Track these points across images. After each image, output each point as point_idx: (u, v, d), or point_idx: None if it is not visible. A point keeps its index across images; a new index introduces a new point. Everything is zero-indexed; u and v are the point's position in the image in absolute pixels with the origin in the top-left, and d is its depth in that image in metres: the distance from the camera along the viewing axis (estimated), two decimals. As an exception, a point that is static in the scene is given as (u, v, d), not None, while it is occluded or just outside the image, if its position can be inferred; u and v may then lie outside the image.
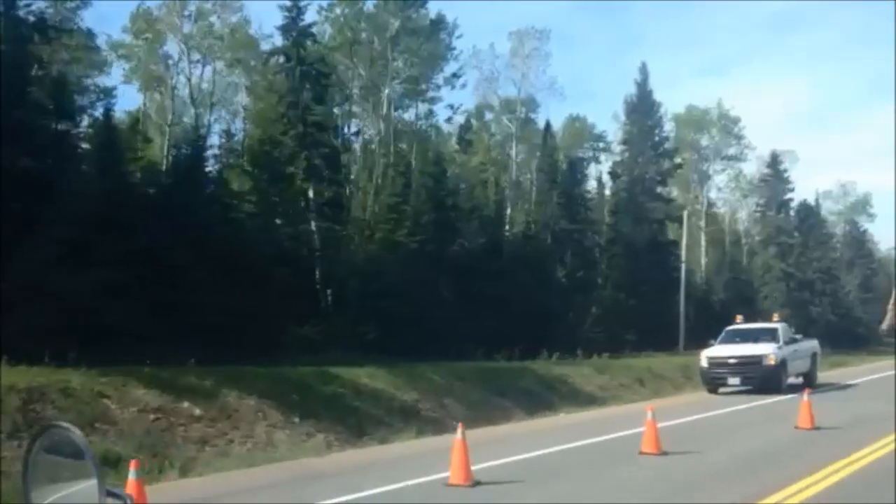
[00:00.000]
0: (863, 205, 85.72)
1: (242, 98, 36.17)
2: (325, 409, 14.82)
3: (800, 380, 19.19)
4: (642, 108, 44.33)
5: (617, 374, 24.53)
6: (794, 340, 18.65)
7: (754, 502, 7.22)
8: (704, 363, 18.27)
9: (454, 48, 38.18)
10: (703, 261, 53.86)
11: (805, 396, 12.05)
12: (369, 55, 32.97)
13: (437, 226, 28.43)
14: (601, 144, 48.27)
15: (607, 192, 45.62)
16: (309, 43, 30.68)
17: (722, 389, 17.63)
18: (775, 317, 20.10)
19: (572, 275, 39.76)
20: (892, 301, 29.58)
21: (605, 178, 46.82)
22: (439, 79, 38.88)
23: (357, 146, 33.66)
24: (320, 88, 30.64)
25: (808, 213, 68.61)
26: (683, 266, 37.42)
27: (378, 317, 24.98)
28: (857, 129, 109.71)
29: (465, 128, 49.22)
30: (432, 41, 35.21)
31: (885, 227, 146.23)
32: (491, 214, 34.14)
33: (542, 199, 42.77)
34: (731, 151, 54.70)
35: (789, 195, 67.14)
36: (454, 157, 46.05)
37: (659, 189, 45.50)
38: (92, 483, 1.89)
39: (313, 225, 27.48)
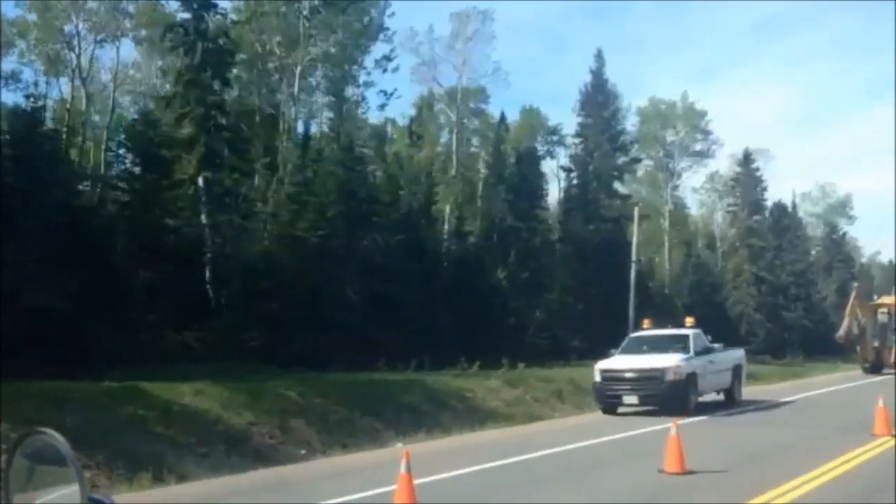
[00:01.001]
0: (843, 207, 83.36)
1: (154, 79, 33.17)
2: (110, 437, 11.83)
3: (720, 396, 16.36)
4: (598, 98, 41.52)
5: (533, 386, 21.57)
6: (710, 350, 15.71)
7: None
8: (597, 377, 15.28)
9: (387, 28, 35.28)
10: (667, 263, 51.08)
11: (673, 429, 9.11)
12: (281, 29, 29.94)
13: (346, 220, 25.48)
14: (555, 138, 45.46)
15: (559, 188, 42.76)
16: (212, 15, 27.69)
17: (622, 409, 14.69)
18: (688, 321, 17.14)
19: (516, 276, 36.87)
20: (849, 307, 26.82)
21: (561, 173, 43.98)
22: (369, 61, 35.88)
23: (265, 132, 30.66)
24: (223, 66, 27.66)
25: (783, 215, 66.03)
26: (634, 267, 34.56)
27: (265, 321, 22.01)
28: (841, 133, 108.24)
29: (416, 120, 46.43)
30: (357, 17, 32.19)
31: (871, 231, 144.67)
32: (419, 209, 31.16)
33: (489, 195, 39.91)
34: (699, 147, 51.95)
35: (763, 195, 64.80)
36: (401, 151, 43.31)
37: (616, 185, 42.71)
38: (74, 489, 1.93)
39: (203, 217, 24.45)
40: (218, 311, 22.81)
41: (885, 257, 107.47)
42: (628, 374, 14.43)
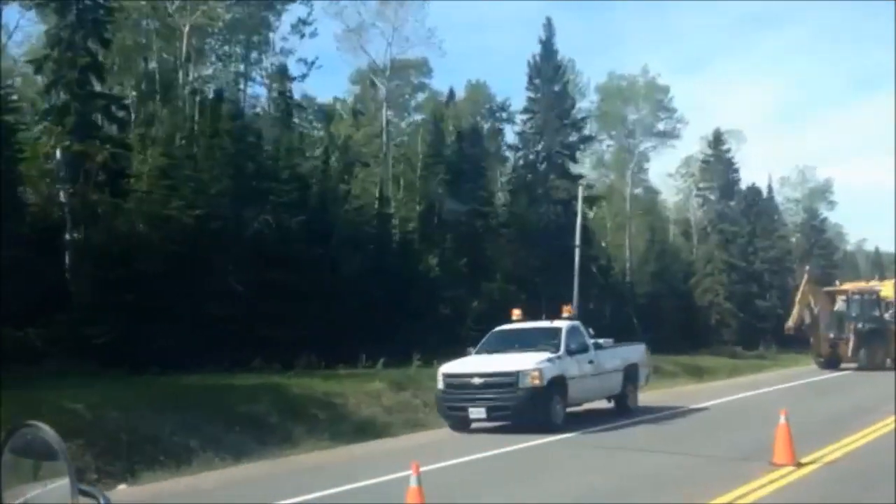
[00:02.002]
0: (823, 192, 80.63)
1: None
2: None
3: (611, 404, 13.39)
4: (548, 71, 38.37)
5: (425, 388, 18.55)
6: (589, 347, 12.61)
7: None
8: (440, 384, 12.14)
9: (303, -13, 32.00)
10: (628, 250, 48.13)
11: (413, 479, 6.10)
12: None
13: (233, 198, 22.40)
14: (504, 115, 42.28)
15: (505, 168, 39.57)
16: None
17: (475, 424, 11.57)
18: (566, 310, 14.02)
19: (453, 264, 33.83)
20: (799, 293, 23.78)
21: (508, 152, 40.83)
22: (283, 26, 32.42)
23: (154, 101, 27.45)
24: (101, 24, 24.47)
25: (757, 199, 63.21)
26: (578, 252, 31.61)
27: (119, 315, 18.92)
28: (828, 125, 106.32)
29: (361, 96, 43.34)
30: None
31: (856, 218, 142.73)
32: (328, 190, 27.99)
33: (427, 176, 36.80)
34: (662, 127, 48.87)
35: (735, 179, 61.89)
36: (342, 131, 40.20)
37: (570, 166, 39.64)
38: (65, 482, 1.94)
39: (63, 195, 21.32)
40: (69, 304, 19.71)
41: (871, 245, 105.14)
42: (475, 381, 11.30)
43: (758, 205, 62.00)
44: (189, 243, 20.89)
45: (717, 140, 57.73)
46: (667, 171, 61.42)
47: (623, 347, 14.23)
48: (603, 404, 13.37)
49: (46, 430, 1.95)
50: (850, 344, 23.32)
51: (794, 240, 77.93)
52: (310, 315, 22.22)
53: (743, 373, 28.34)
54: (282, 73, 41.39)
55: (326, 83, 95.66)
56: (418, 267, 31.58)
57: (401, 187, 39.29)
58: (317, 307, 22.58)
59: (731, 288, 55.19)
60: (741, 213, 60.91)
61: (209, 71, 28.05)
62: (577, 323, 13.49)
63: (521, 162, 37.71)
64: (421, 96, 40.13)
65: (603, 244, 43.59)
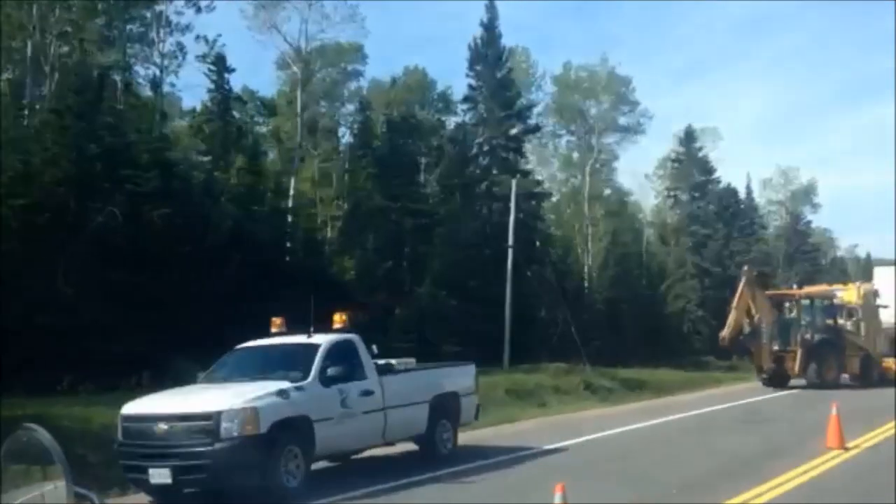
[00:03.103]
0: (806, 194, 77.33)
1: None
2: None
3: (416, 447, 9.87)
4: (490, 56, 35.04)
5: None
6: (364, 373, 9.06)
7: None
8: (119, 431, 8.41)
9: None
10: (589, 256, 44.73)
11: None
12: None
13: (72, 188, 18.99)
14: (445, 105, 38.78)
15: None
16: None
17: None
18: (337, 321, 10.12)
19: (376, 266, 30.39)
20: (736, 298, 20.23)
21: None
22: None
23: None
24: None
25: (733, 200, 59.85)
26: (511, 253, 28.22)
27: None
28: (820, 131, 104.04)
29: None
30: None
31: (849, 224, 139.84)
32: (199, 179, 24.55)
33: (354, 169, 33.45)
34: (624, 121, 45.48)
35: (709, 178, 58.60)
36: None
37: (515, 160, 36.28)
38: (61, 483, 2.05)
39: None
40: None
41: (862, 251, 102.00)
42: (159, 427, 7.61)
43: (733, 206, 58.64)
44: (4, 239, 17.44)
45: (688, 137, 54.45)
46: (644, 173, 58.17)
47: (435, 371, 10.62)
48: (405, 447, 9.92)
49: (42, 434, 2.11)
50: (798, 357, 19.91)
51: (775, 244, 74.91)
52: (159, 325, 18.74)
53: (689, 388, 24.89)
54: (219, 64, 38.48)
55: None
56: (329, 269, 28.15)
57: (333, 183, 35.99)
58: (171, 315, 19.10)
59: (703, 294, 51.85)
60: (716, 214, 57.63)
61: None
62: (349, 338, 9.95)
63: (457, 155, 34.26)
64: (355, 85, 36.89)
65: (551, 249, 40.11)
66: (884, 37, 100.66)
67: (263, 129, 40.47)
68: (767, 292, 21.45)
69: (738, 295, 19.90)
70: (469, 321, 30.49)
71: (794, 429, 12.38)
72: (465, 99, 35.66)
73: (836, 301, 23.86)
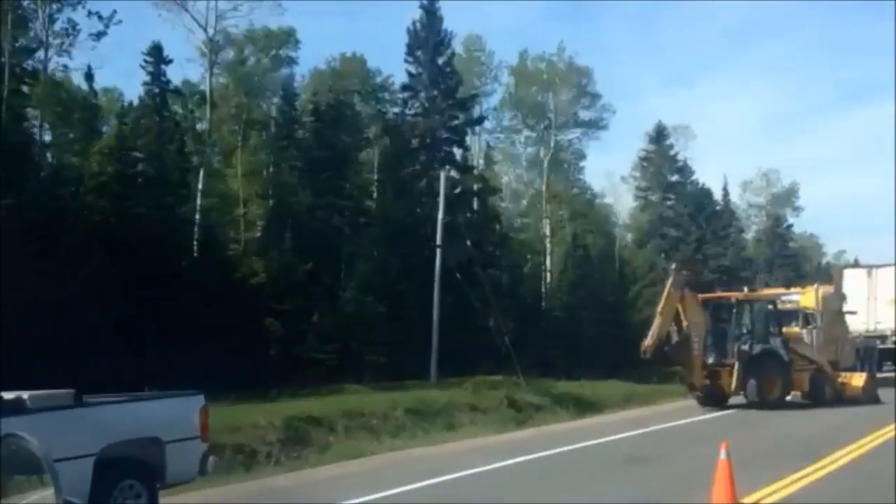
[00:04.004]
0: (788, 196, 74.79)
1: None
2: None
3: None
4: (430, 41, 32.30)
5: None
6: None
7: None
8: None
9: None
10: (548, 259, 41.96)
11: None
12: None
13: None
14: (386, 95, 35.93)
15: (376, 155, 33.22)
16: None
17: None
18: None
19: (295, 269, 27.51)
20: (662, 301, 17.35)
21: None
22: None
23: None
24: None
25: (707, 202, 57.18)
26: (439, 254, 25.41)
27: None
28: (812, 137, 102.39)
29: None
30: None
31: (835, 229, 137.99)
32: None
33: (278, 163, 30.62)
34: (586, 116, 42.73)
35: (683, 179, 56.01)
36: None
37: (458, 154, 33.55)
38: (49, 491, 2.14)
39: None
40: None
41: (850, 256, 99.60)
42: None
43: (708, 208, 55.97)
44: None
45: (659, 135, 51.86)
46: (620, 175, 55.46)
47: (111, 408, 7.26)
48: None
49: (29, 441, 2.17)
50: (735, 372, 17.06)
51: (756, 248, 72.44)
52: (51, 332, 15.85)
53: (624, 405, 22.08)
54: (154, 55, 35.74)
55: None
56: (234, 273, 25.26)
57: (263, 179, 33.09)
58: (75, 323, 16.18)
59: (672, 300, 49.01)
60: (689, 217, 54.99)
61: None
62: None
63: (393, 148, 31.46)
64: (287, 72, 34.04)
65: (507, 251, 37.35)
66: (870, 44, 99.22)
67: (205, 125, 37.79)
68: (702, 295, 18.60)
69: (663, 298, 17.05)
70: (398, 329, 27.69)
71: (683, 473, 9.66)
72: (404, 87, 32.88)
73: (789, 306, 21.13)
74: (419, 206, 30.38)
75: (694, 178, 57.27)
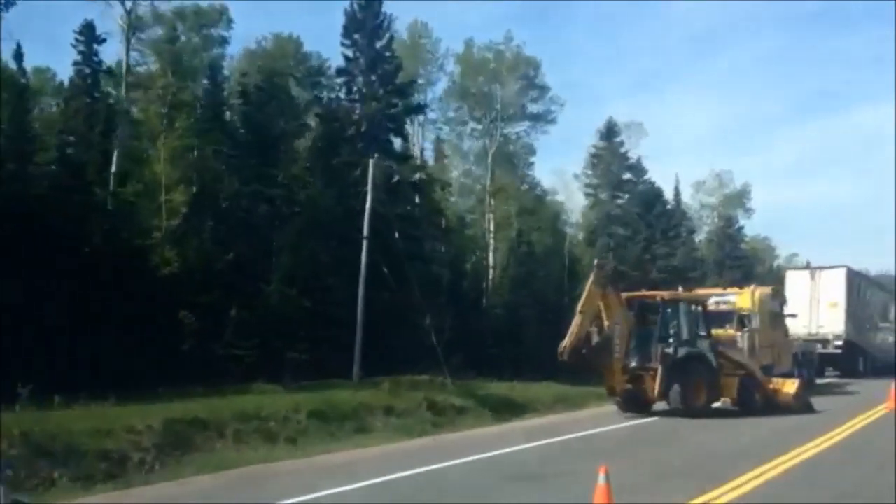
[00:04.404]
0: (739, 197, 74.88)
1: None
2: None
3: None
4: (369, 23, 30.83)
5: None
6: None
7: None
8: None
9: None
10: (491, 256, 40.81)
11: None
12: None
13: None
14: (322, 80, 34.39)
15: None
16: None
17: None
18: None
19: (215, 260, 25.88)
20: (582, 300, 16.22)
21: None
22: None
23: None
24: None
25: (656, 201, 56.56)
26: (365, 246, 24.02)
27: None
28: (773, 146, 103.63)
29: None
30: None
31: (790, 235, 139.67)
32: None
33: (203, 147, 28.90)
34: (534, 109, 41.61)
35: (634, 178, 55.33)
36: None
37: (397, 142, 32.19)
38: None
39: None
40: None
41: (802, 260, 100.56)
42: None
43: (658, 208, 55.35)
44: None
45: (609, 132, 51.03)
46: (573, 172, 54.44)
47: None
48: None
49: None
50: (658, 377, 15.99)
51: (707, 249, 72.34)
52: None
53: (552, 409, 21.03)
54: (86, 34, 33.70)
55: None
56: (145, 264, 23.56)
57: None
58: None
59: (620, 300, 48.24)
60: (638, 215, 54.32)
61: None
62: None
63: (326, 134, 29.93)
64: (219, 52, 32.27)
65: (446, 246, 36.14)
66: (833, 54, 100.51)
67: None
68: (627, 294, 17.50)
69: (584, 296, 15.92)
70: (324, 326, 26.23)
71: (565, 495, 8.52)
72: (340, 72, 31.38)
73: (724, 308, 20.19)
74: (352, 196, 28.88)
75: (647, 177, 56.87)
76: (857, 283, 29.99)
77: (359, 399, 18.84)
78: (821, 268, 29.88)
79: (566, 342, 15.16)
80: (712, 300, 19.76)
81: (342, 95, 31.49)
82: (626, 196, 53.69)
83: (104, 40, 33.34)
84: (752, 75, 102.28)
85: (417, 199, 38.26)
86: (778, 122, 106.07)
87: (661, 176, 64.59)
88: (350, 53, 30.95)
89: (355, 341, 24.66)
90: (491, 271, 40.63)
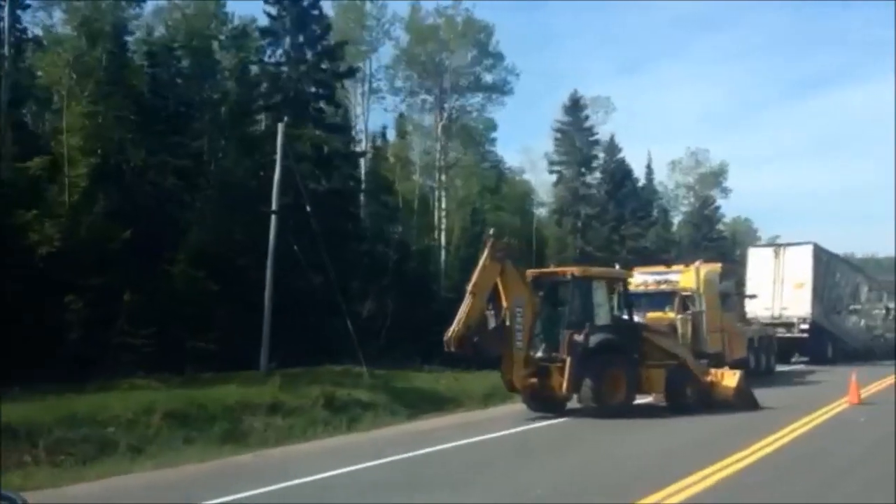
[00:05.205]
0: (716, 176, 72.62)
1: None
2: None
3: None
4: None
5: None
6: None
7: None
8: None
9: None
10: (443, 236, 38.21)
11: None
12: None
13: None
14: (249, 42, 31.41)
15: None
16: None
17: None
18: None
19: (113, 238, 23.15)
20: (474, 277, 13.65)
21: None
22: None
23: None
24: None
25: (626, 180, 54.10)
26: (274, 221, 21.36)
27: None
28: (758, 131, 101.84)
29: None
30: None
31: (774, 219, 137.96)
32: None
33: (105, 114, 26.05)
34: (489, 79, 38.85)
35: (600, 153, 52.79)
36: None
37: (327, 109, 29.45)
38: None
39: None
40: None
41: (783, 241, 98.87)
42: None
43: (628, 186, 52.92)
44: None
45: (574, 106, 48.36)
46: (544, 151, 51.77)
47: None
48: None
49: None
50: (566, 369, 13.48)
51: (682, 230, 70.25)
52: None
53: (477, 404, 18.51)
54: None
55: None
56: (18, 243, 20.77)
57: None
58: None
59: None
60: (607, 194, 51.90)
61: None
62: None
63: (243, 101, 27.14)
64: (134, 12, 29.30)
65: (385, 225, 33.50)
66: (822, 37, 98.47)
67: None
68: (533, 271, 14.82)
69: (476, 273, 13.24)
70: (233, 312, 23.59)
71: None
72: (264, 32, 28.53)
73: (665, 287, 17.68)
74: (270, 168, 26.16)
75: (620, 156, 54.40)
76: (826, 261, 27.57)
77: (240, 396, 16.28)
78: (786, 244, 27.39)
79: (455, 328, 12.59)
80: (651, 278, 17.27)
81: (266, 59, 28.65)
82: (594, 174, 51.26)
83: (28, 6, 30.83)
84: (739, 58, 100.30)
85: (364, 175, 35.69)
86: (764, 105, 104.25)
87: (644, 158, 62.33)
88: (273, 11, 28.09)
89: (262, 329, 22.08)
90: (444, 252, 38.03)
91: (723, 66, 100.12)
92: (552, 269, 15.55)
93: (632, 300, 15.33)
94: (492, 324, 13.05)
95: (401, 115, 44.44)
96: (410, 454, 10.90)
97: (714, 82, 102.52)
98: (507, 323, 13.04)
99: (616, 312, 14.49)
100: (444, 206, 37.96)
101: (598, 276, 15.24)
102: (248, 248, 24.85)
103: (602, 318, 13.99)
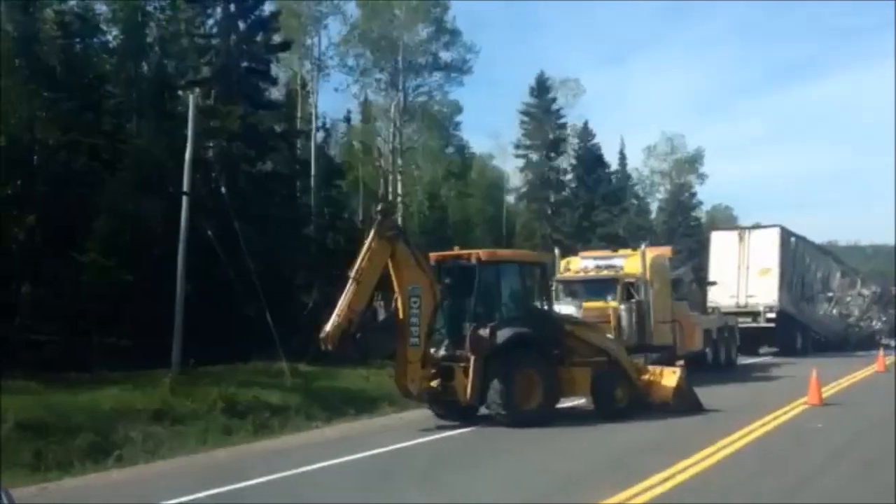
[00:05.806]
0: (692, 162, 71.12)
1: None
2: None
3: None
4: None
5: None
6: None
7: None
8: None
9: None
10: (401, 220, 36.16)
11: None
12: None
13: None
14: (180, 13, 29.17)
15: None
16: None
17: None
18: None
19: (15, 225, 21.02)
20: (359, 260, 11.66)
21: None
22: None
23: None
24: None
25: (597, 165, 52.29)
26: (185, 204, 19.34)
27: None
28: (738, 118, 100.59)
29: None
30: None
31: (756, 206, 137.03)
32: None
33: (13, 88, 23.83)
34: (446, 57, 36.81)
35: (572, 140, 50.98)
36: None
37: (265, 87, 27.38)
38: None
39: None
40: None
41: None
42: None
43: (597, 171, 51.12)
44: None
45: (540, 88, 46.37)
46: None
47: None
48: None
49: None
50: (471, 371, 11.69)
51: (658, 218, 68.74)
52: None
53: (408, 403, 16.58)
54: None
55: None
56: None
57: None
58: None
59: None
60: (578, 179, 50.13)
61: None
62: None
63: (163, 75, 25.00)
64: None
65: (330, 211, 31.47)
66: (800, 26, 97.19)
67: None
68: (435, 254, 12.76)
69: (361, 256, 11.18)
70: (148, 304, 21.53)
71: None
72: (192, 0, 26.39)
73: (606, 273, 15.82)
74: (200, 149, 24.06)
75: (595, 142, 52.63)
76: (794, 246, 25.81)
77: (116, 401, 14.27)
78: (751, 228, 25.57)
79: (335, 321, 10.62)
80: (592, 264, 15.42)
81: (194, 30, 26.50)
82: (563, 159, 49.46)
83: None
84: (722, 45, 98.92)
85: (315, 159, 33.65)
86: (742, 94, 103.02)
87: (617, 144, 60.48)
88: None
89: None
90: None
91: (704, 54, 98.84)
92: (456, 251, 13.45)
93: (570, 288, 13.44)
94: (381, 316, 11.10)
95: (366, 100, 42.57)
96: (288, 473, 8.98)
97: (695, 69, 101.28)
98: (401, 315, 11.08)
99: (532, 302, 12.58)
100: (399, 190, 35.94)
101: (510, 261, 13.27)
102: (164, 236, 22.73)
103: (514, 309, 12.07)
